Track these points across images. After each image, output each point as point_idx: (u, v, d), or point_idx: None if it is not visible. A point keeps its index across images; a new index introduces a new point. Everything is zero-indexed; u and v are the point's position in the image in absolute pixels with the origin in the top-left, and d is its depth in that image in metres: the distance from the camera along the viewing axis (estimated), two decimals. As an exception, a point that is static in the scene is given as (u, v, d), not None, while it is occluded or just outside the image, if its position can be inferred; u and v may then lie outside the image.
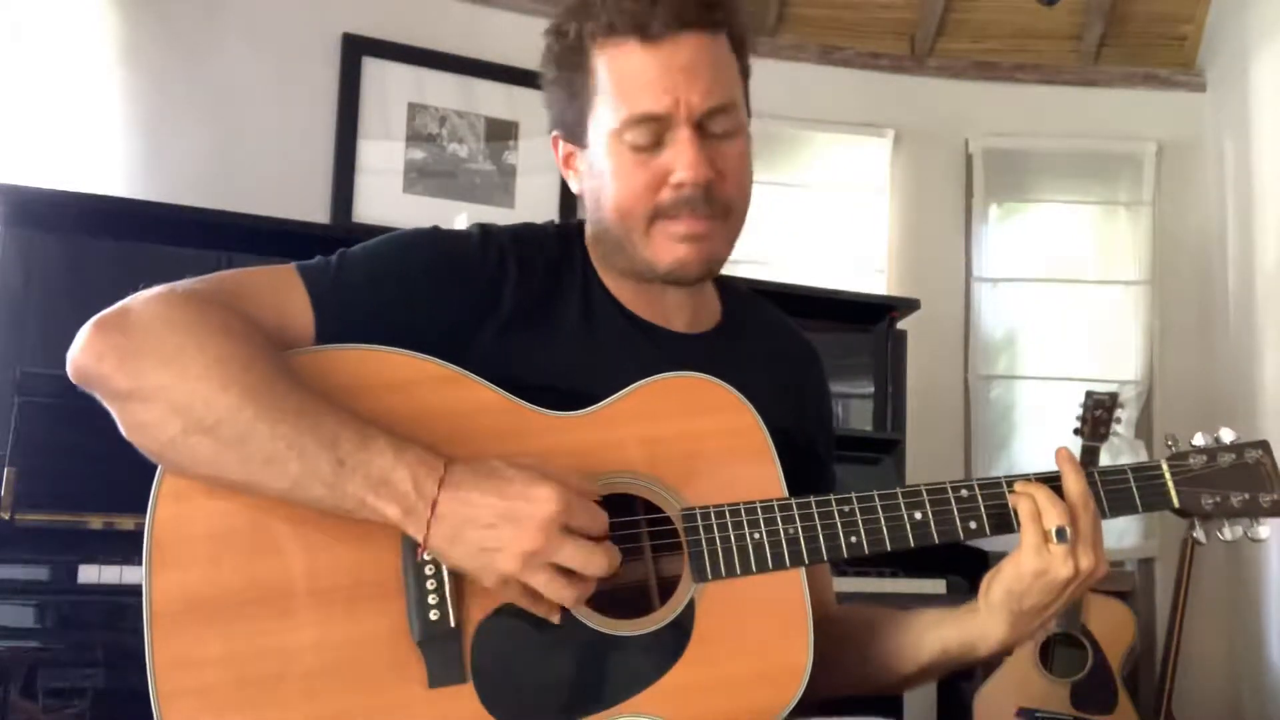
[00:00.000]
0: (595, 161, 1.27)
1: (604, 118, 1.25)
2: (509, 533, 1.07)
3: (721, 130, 1.25)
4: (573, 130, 1.30)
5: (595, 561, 1.09)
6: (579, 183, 1.32)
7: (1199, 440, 1.31)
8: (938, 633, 1.30)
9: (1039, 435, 4.15)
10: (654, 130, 1.23)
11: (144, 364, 1.09)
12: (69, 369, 1.12)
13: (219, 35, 3.50)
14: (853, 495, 1.23)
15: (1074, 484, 1.23)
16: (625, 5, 1.22)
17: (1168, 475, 1.29)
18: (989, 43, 4.35)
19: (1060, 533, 1.19)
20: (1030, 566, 1.20)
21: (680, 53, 1.22)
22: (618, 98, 1.23)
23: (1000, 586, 1.23)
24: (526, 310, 1.27)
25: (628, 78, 1.23)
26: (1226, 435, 1.31)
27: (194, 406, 1.08)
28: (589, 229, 1.34)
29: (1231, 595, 3.95)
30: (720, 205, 1.26)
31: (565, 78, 1.27)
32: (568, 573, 1.10)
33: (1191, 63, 4.34)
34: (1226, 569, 3.94)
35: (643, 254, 1.27)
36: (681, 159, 1.22)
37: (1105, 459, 3.49)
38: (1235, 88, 4.05)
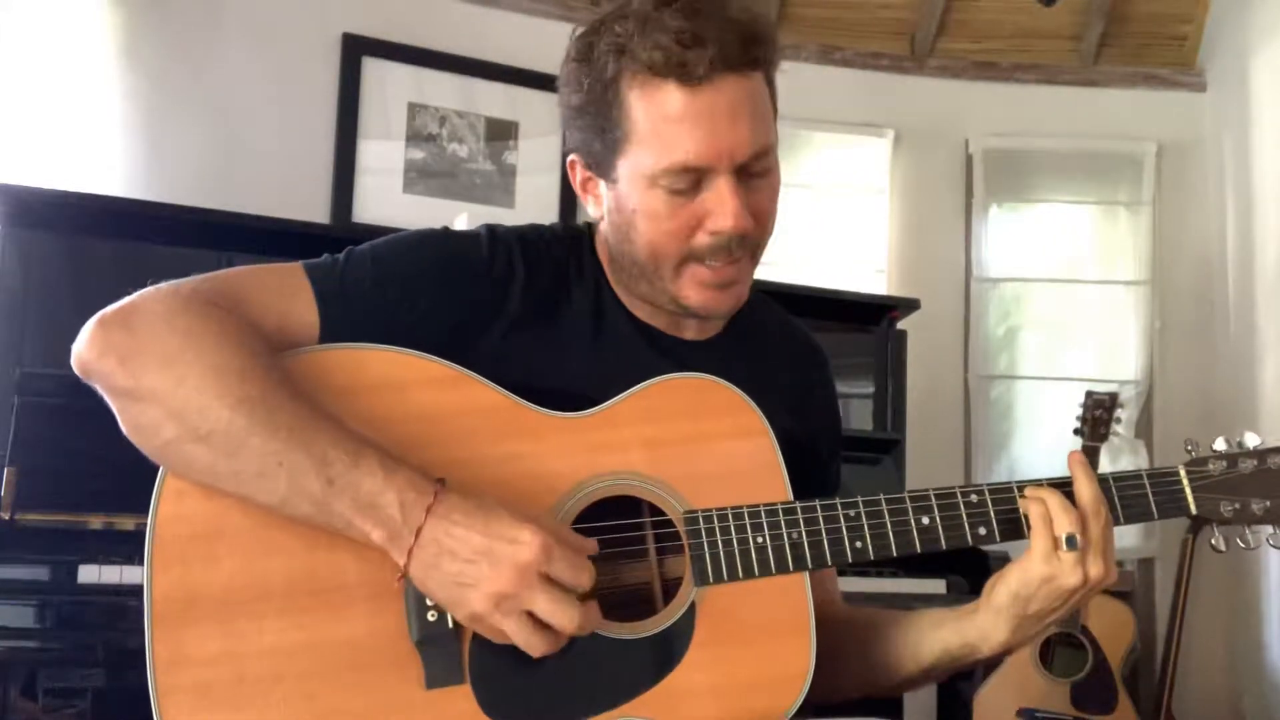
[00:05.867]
0: (623, 200, 1.23)
1: (639, 161, 1.19)
2: (484, 571, 1.05)
3: (758, 169, 1.22)
4: (598, 162, 1.24)
5: (567, 616, 1.06)
6: (597, 208, 1.28)
7: (1220, 445, 1.26)
8: (938, 634, 1.29)
9: (1039, 435, 4.15)
10: (693, 178, 1.19)
11: (143, 365, 1.09)
12: (73, 361, 1.13)
13: (219, 35, 3.50)
14: (859, 500, 1.21)
15: (1086, 490, 1.20)
16: (665, 45, 1.15)
17: (1185, 481, 1.25)
18: (989, 43, 4.34)
19: (1070, 540, 1.17)
20: (1038, 573, 1.18)
21: (721, 97, 1.17)
22: (656, 144, 1.18)
23: (1006, 590, 1.21)
24: (534, 311, 1.26)
25: (668, 124, 1.17)
26: (1251, 440, 1.26)
27: (188, 415, 1.08)
28: (607, 247, 1.31)
29: (1231, 595, 3.95)
30: (750, 246, 1.24)
31: (593, 111, 1.21)
32: (542, 620, 1.07)
33: (1191, 63, 4.34)
34: (1226, 569, 3.93)
35: (669, 289, 1.26)
36: (723, 209, 1.19)
37: (1105, 459, 3.48)
38: (1235, 88, 4.05)
